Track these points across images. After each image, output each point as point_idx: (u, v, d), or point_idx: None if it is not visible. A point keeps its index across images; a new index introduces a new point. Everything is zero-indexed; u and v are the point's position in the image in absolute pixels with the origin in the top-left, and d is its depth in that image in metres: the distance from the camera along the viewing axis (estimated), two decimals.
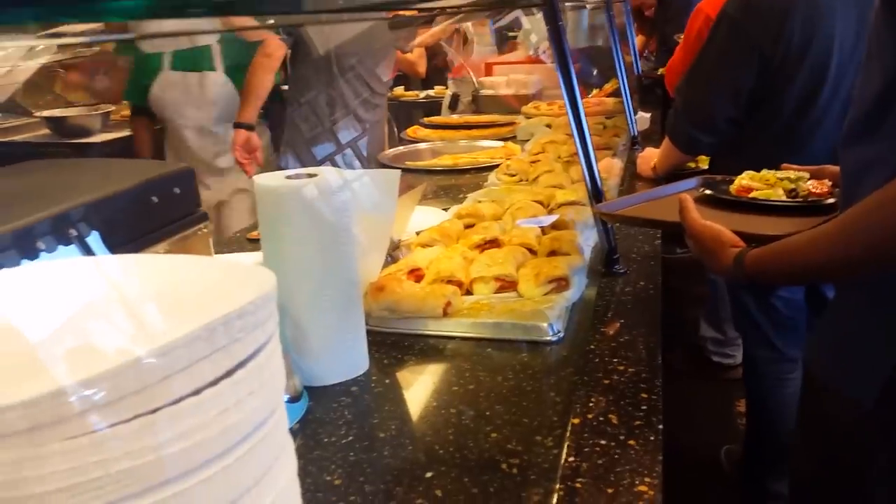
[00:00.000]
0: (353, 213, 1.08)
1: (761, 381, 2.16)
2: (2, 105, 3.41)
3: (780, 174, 1.26)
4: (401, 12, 2.57)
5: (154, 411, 0.38)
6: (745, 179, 1.27)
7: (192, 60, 2.72)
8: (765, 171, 1.28)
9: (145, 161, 1.09)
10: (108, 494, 0.37)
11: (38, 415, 0.36)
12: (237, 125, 2.58)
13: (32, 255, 0.85)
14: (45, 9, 0.40)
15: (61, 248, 0.89)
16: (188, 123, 2.75)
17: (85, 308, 0.46)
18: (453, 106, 4.23)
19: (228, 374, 0.42)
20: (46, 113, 3.46)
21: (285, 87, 3.03)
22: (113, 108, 3.63)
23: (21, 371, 0.38)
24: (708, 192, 1.29)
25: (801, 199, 1.20)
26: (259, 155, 2.63)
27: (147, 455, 0.38)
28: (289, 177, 1.04)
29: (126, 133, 3.33)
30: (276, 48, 2.59)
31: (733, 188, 1.28)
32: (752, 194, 1.23)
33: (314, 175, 1.04)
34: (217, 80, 2.75)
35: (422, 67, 3.77)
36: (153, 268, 0.51)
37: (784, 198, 1.21)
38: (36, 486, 0.37)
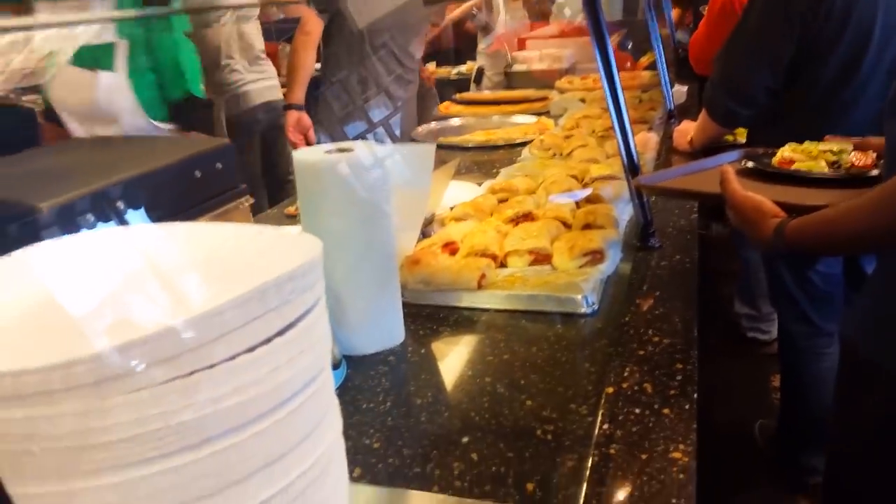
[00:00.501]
0: (390, 188, 1.09)
1: (797, 356, 2.15)
2: (42, 87, 3.47)
3: (822, 146, 1.24)
4: None
5: (211, 367, 0.40)
6: (787, 151, 1.26)
7: (94, 57, 2.11)
8: (807, 143, 1.27)
9: (187, 137, 1.12)
10: (168, 445, 0.40)
11: (104, 369, 0.38)
12: (287, 107, 2.64)
13: (81, 227, 0.88)
14: None
15: (109, 220, 0.92)
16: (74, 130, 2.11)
17: (145, 272, 0.48)
18: (478, 80, 4.22)
19: (280, 333, 0.44)
20: None
21: (317, 66, 3.05)
22: None
23: (88, 329, 0.40)
24: (750, 164, 1.28)
25: (843, 172, 1.19)
26: (311, 134, 2.67)
27: (205, 408, 0.40)
28: (327, 151, 1.05)
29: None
30: (314, 24, 2.60)
31: (775, 160, 1.27)
32: (794, 166, 1.22)
33: (351, 150, 1.05)
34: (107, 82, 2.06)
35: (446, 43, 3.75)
36: (206, 235, 0.53)
37: (826, 170, 1.20)
38: (101, 436, 0.39)
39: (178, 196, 0.97)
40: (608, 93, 1.42)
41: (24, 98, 3.38)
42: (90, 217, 0.88)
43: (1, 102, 3.25)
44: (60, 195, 0.86)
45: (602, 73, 1.40)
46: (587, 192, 1.57)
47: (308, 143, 2.69)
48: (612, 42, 1.30)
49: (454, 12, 3.97)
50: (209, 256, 0.51)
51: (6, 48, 3.43)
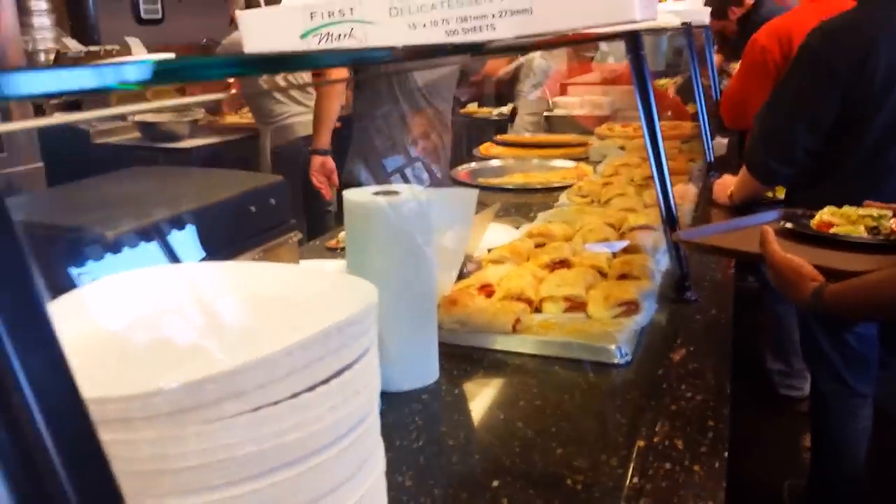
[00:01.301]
0: (432, 230, 1.13)
1: (829, 416, 2.11)
2: (97, 109, 3.60)
3: (862, 211, 1.25)
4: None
5: (275, 403, 0.43)
6: (826, 215, 1.27)
7: None
8: (846, 208, 1.28)
9: (242, 172, 1.16)
10: (233, 474, 0.43)
11: (181, 401, 0.41)
12: (313, 151, 2.72)
13: (140, 255, 0.93)
14: None
15: (166, 250, 0.97)
16: None
17: (212, 309, 0.52)
18: (511, 120, 4.28)
19: (338, 374, 0.47)
20: (139, 118, 3.67)
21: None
22: (201, 115, 3.81)
23: (165, 362, 0.44)
24: (789, 225, 1.29)
25: (882, 238, 1.19)
26: (335, 177, 2.74)
27: (267, 442, 0.43)
28: (375, 193, 1.10)
29: (213, 140, 3.49)
30: (340, 71, 2.68)
31: (814, 223, 1.28)
32: (833, 230, 1.23)
33: (398, 192, 1.09)
34: None
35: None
36: (268, 275, 0.57)
37: (865, 235, 1.20)
38: (173, 463, 0.42)
39: (232, 230, 1.02)
40: (648, 142, 1.45)
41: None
42: (150, 247, 0.92)
43: (58, 123, 3.39)
44: (124, 224, 0.91)
45: (643, 122, 1.43)
46: (624, 243, 1.59)
47: (331, 186, 2.77)
48: (669, 89, 1.33)
49: (505, 68, 4.08)
50: (273, 296, 0.54)
51: None
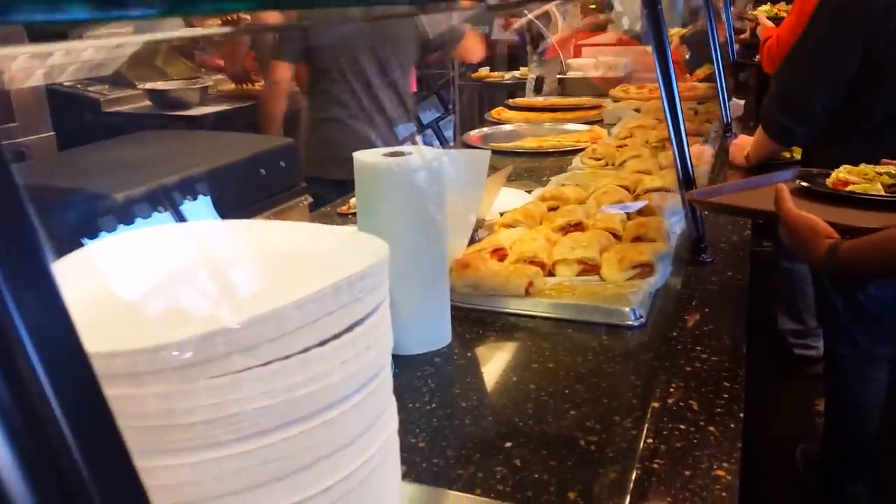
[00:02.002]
0: (444, 192, 1.11)
1: (843, 379, 2.10)
2: (109, 77, 3.59)
3: (879, 169, 1.23)
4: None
5: (286, 358, 0.43)
6: (842, 173, 1.24)
7: None
8: (863, 166, 1.25)
9: (252, 135, 1.15)
10: (244, 430, 0.42)
11: (189, 355, 0.41)
12: None
13: (154, 217, 0.92)
14: None
15: (177, 212, 0.96)
16: None
17: (225, 266, 0.51)
18: (538, 89, 4.20)
19: (349, 329, 0.46)
20: (149, 85, 3.65)
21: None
22: (211, 82, 3.78)
23: (175, 317, 0.43)
24: (804, 183, 1.27)
25: None
26: None
27: (279, 396, 0.42)
28: (386, 154, 1.08)
29: (223, 107, 3.47)
30: (283, 72, 2.57)
31: (830, 181, 1.25)
32: (850, 188, 1.20)
33: (409, 153, 1.08)
34: None
35: (476, 55, 3.65)
36: (279, 233, 0.56)
37: (883, 192, 1.18)
38: (182, 418, 0.42)
39: (243, 192, 1.01)
40: (665, 103, 1.42)
41: (90, 88, 3.51)
42: (161, 209, 0.92)
43: (70, 92, 3.38)
44: (134, 186, 0.90)
45: (661, 82, 1.40)
46: (640, 204, 1.57)
47: None
48: (674, 39, 1.30)
49: (514, 24, 3.97)
50: (284, 253, 0.53)
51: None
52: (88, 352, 0.27)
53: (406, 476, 0.85)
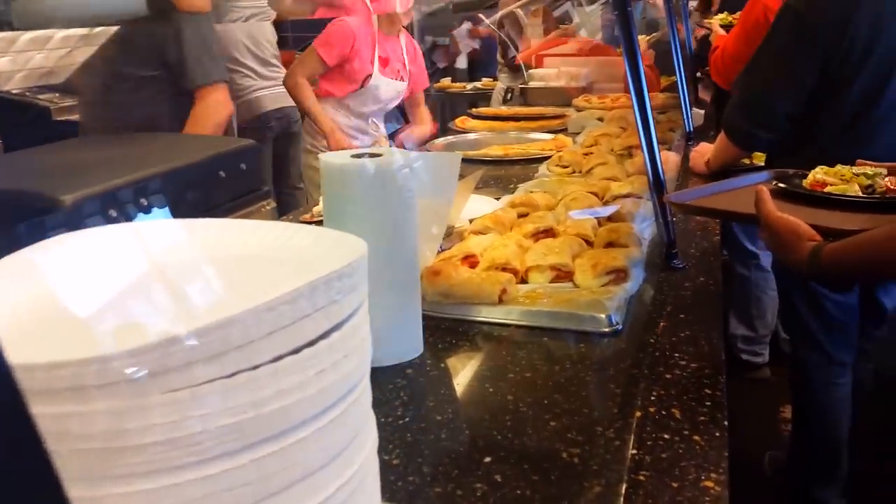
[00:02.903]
0: (415, 195, 1.07)
1: (809, 386, 2.11)
2: (59, 86, 3.47)
3: (856, 170, 1.22)
4: None
5: (255, 368, 0.37)
6: (819, 174, 1.24)
7: None
8: (839, 167, 1.24)
9: (211, 136, 1.09)
10: (206, 451, 0.37)
11: (142, 365, 0.35)
12: None
13: (105, 222, 0.86)
14: None
15: (131, 217, 0.89)
16: None
17: (184, 267, 0.46)
18: (507, 100, 4.20)
19: (325, 335, 0.41)
20: None
21: None
22: None
23: (127, 325, 0.38)
24: (781, 185, 1.26)
25: (878, 196, 1.16)
26: None
27: (246, 412, 0.37)
28: (354, 155, 1.03)
29: None
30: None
31: (807, 182, 1.25)
32: (828, 189, 1.20)
33: (380, 154, 1.03)
34: None
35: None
36: (244, 232, 0.51)
37: (861, 193, 1.17)
38: (135, 438, 0.36)
39: (201, 195, 0.95)
40: (636, 107, 1.40)
41: (40, 97, 3.38)
42: (112, 213, 0.85)
43: (18, 100, 3.25)
44: (83, 189, 0.84)
45: (631, 86, 1.38)
46: (612, 209, 1.54)
47: None
48: (642, 45, 1.28)
49: (483, 33, 3.97)
50: (250, 254, 0.48)
51: (27, 46, 3.40)
52: (24, 363, 0.22)
53: (381, 496, 0.79)
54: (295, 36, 4.21)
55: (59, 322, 0.43)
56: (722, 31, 2.95)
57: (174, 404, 0.36)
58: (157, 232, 0.52)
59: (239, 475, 0.37)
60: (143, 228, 0.52)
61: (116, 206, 0.83)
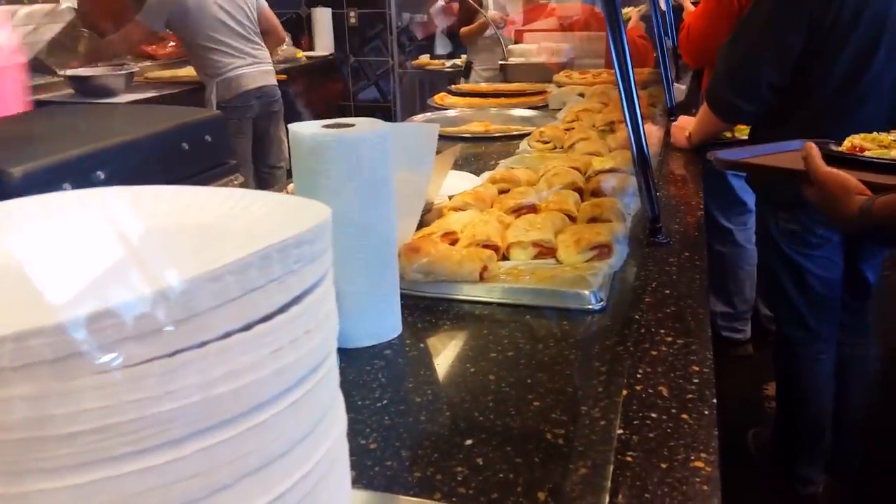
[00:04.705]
0: (391, 168, 1.02)
1: (794, 362, 2.10)
2: (27, 64, 3.36)
3: (893, 136, 1.23)
4: None
5: (200, 346, 0.33)
6: (856, 140, 1.24)
7: None
8: (876, 133, 1.26)
9: (174, 107, 1.04)
10: (145, 440, 0.32)
11: (68, 342, 0.31)
12: None
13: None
14: None
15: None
16: None
17: (126, 236, 0.41)
18: (466, 74, 4.16)
19: (283, 309, 0.36)
20: (70, 72, 3.42)
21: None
22: (137, 68, 3.58)
23: (53, 298, 0.33)
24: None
25: None
26: None
27: (190, 396, 0.33)
28: (326, 125, 0.98)
29: (151, 94, 3.28)
30: None
31: (844, 148, 1.25)
32: (867, 154, 1.19)
33: (352, 125, 0.98)
34: None
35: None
36: (196, 198, 0.46)
37: None
38: (62, 427, 0.32)
39: (163, 168, 0.89)
40: (619, 79, 1.35)
41: None
42: (67, 186, 0.80)
43: None
44: (34, 160, 0.78)
45: (615, 58, 1.34)
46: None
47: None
48: (633, 17, 1.25)
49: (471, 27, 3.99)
50: (203, 222, 0.43)
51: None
52: None
53: (356, 482, 0.75)
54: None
55: None
56: (692, 7, 2.92)
57: (106, 388, 0.31)
58: (100, 199, 0.47)
59: (184, 467, 0.33)
60: (84, 195, 0.47)
61: (70, 178, 0.77)
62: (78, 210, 0.45)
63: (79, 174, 0.78)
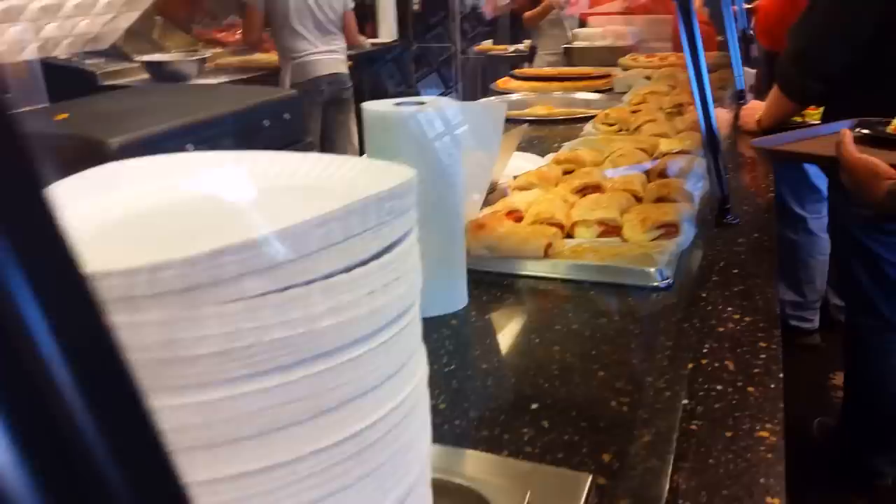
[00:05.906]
0: (460, 146, 1.05)
1: (865, 351, 2.04)
2: (105, 51, 3.51)
3: None
4: None
5: (307, 283, 0.37)
6: None
7: None
8: None
9: (255, 87, 1.08)
10: (259, 364, 0.36)
11: (194, 275, 0.35)
12: None
13: None
14: None
15: None
16: None
17: (234, 191, 0.45)
18: (530, 59, 4.15)
19: (377, 256, 0.40)
20: (146, 58, 3.57)
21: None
22: (209, 54, 3.70)
23: (180, 239, 0.37)
24: (865, 131, 1.22)
25: None
26: None
27: (299, 327, 0.37)
28: (398, 104, 1.01)
29: (223, 79, 3.39)
30: None
31: (891, 128, 1.21)
32: None
33: (424, 103, 1.01)
34: None
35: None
36: (294, 162, 0.50)
37: None
38: (189, 349, 0.36)
39: (244, 144, 0.94)
40: (689, 60, 1.35)
41: (86, 62, 3.42)
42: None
43: (65, 65, 3.30)
44: (130, 132, 0.84)
45: (684, 38, 1.33)
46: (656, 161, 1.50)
47: None
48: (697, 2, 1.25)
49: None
50: (299, 183, 0.47)
51: (72, 11, 3.44)
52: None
53: None
54: None
55: (112, 235, 0.43)
56: None
57: (226, 316, 0.35)
58: (205, 161, 0.51)
59: (293, 390, 0.37)
60: (190, 158, 0.52)
61: (162, 150, 0.83)
62: (189, 169, 0.49)
63: (170, 146, 0.84)
